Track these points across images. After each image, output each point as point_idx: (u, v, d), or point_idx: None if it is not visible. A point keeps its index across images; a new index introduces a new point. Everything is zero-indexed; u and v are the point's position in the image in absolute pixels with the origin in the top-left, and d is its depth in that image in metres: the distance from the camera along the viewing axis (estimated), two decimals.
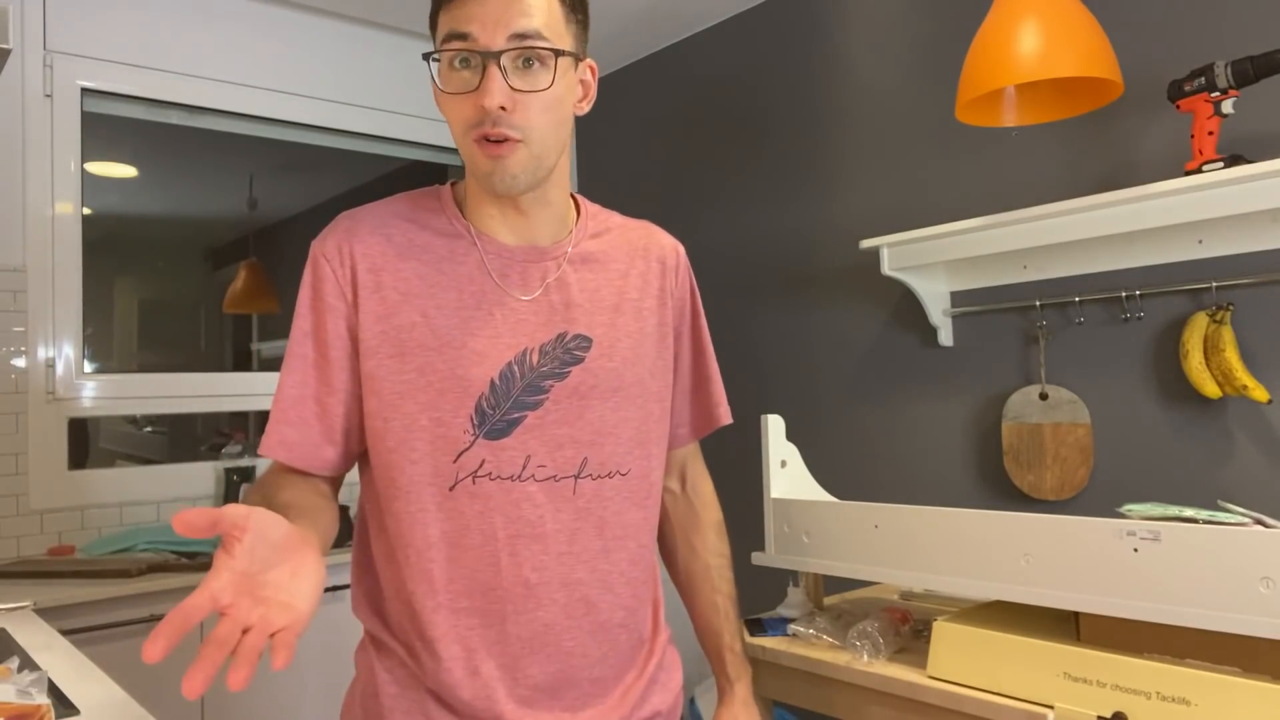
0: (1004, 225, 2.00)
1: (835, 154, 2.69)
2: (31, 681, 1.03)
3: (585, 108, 1.01)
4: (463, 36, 0.90)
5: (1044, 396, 2.16)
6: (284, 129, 2.95)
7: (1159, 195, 1.76)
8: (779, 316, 2.86)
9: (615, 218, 1.12)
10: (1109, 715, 1.11)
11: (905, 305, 2.48)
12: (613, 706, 1.02)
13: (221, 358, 2.97)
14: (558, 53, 0.92)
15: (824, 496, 1.70)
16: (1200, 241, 1.92)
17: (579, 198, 1.10)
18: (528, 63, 0.91)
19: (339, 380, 0.97)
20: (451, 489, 0.95)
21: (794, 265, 2.81)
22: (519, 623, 0.96)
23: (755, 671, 1.25)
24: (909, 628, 1.52)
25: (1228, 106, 1.74)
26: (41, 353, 2.41)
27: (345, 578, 2.22)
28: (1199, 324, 1.88)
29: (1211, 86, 1.74)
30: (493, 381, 0.96)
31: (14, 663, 1.18)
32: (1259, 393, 1.80)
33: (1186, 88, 1.78)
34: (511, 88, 0.90)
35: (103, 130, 2.63)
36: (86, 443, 2.54)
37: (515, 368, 0.97)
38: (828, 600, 1.79)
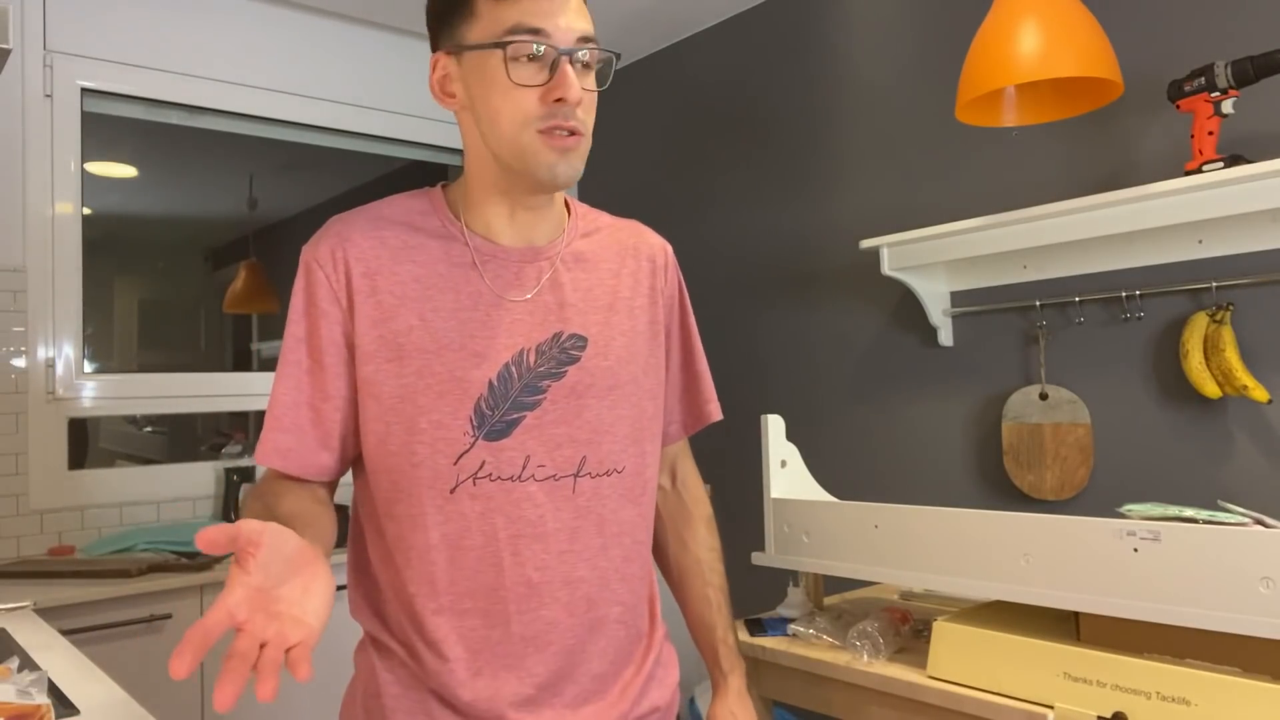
0: (1004, 225, 2.00)
1: (835, 154, 2.69)
2: (31, 681, 1.03)
3: None
4: (535, 31, 0.92)
5: (1044, 396, 2.16)
6: (284, 129, 2.95)
7: (1159, 195, 1.76)
8: (779, 316, 2.86)
9: (604, 217, 1.13)
10: (1109, 715, 1.11)
11: (905, 305, 2.48)
12: (612, 703, 1.03)
13: (221, 358, 2.97)
14: (616, 57, 0.98)
15: (824, 496, 1.70)
16: (1200, 241, 1.92)
17: (568, 197, 1.11)
18: (585, 64, 0.95)
19: (333, 386, 0.97)
20: (452, 491, 0.95)
21: (794, 265, 2.81)
22: (522, 622, 0.96)
23: (755, 671, 1.25)
24: (909, 628, 1.52)
25: (1228, 106, 1.74)
26: (41, 353, 2.41)
27: (342, 578, 2.22)
28: (1199, 324, 1.88)
29: (1211, 86, 1.74)
30: (491, 383, 0.96)
31: (14, 663, 1.18)
32: (1259, 393, 1.80)
33: (1186, 88, 1.78)
34: None
35: (103, 130, 2.63)
36: (86, 443, 2.54)
37: (513, 368, 0.97)
38: (828, 600, 1.79)
